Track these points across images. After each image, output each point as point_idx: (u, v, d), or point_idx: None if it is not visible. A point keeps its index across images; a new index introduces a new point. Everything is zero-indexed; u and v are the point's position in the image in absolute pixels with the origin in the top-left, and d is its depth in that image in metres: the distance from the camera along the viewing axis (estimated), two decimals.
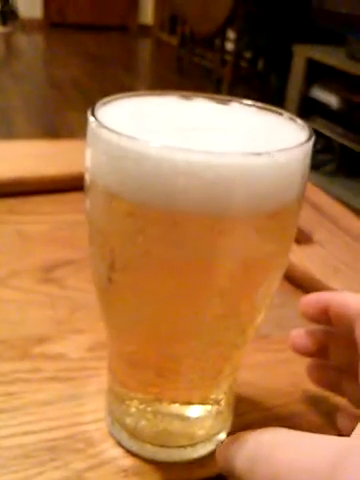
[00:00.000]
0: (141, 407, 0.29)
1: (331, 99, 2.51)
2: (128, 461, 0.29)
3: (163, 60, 4.87)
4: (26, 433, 0.30)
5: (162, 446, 0.29)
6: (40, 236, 0.51)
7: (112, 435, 0.30)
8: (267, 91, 3.46)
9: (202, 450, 0.29)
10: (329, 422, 0.32)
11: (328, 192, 0.62)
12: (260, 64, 3.65)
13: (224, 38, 3.63)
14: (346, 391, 0.30)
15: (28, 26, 5.25)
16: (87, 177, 0.23)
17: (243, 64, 3.68)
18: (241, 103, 0.26)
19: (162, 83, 4.02)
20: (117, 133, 0.20)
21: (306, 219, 0.53)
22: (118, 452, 0.29)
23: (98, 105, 0.23)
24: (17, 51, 4.70)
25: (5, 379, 0.34)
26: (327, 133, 2.45)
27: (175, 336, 0.25)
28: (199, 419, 0.29)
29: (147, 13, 5.75)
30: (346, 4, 2.63)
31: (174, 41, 4.61)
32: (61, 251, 0.48)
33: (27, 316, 0.40)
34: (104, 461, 0.29)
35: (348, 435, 0.20)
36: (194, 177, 0.20)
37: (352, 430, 0.20)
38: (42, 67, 4.24)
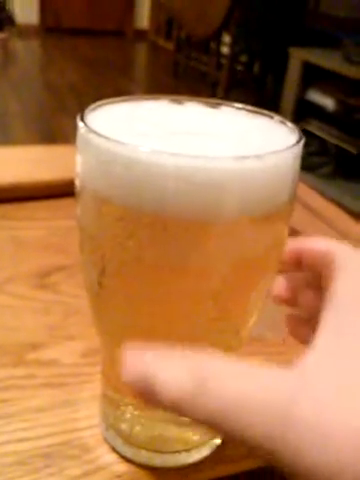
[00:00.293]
0: (136, 413, 0.29)
1: (327, 102, 2.52)
2: (123, 467, 0.29)
3: (159, 64, 4.88)
4: (21, 440, 0.30)
5: (157, 451, 0.29)
6: (34, 242, 0.51)
7: (107, 441, 0.30)
8: (263, 94, 3.46)
9: (197, 455, 0.29)
10: None
11: (324, 194, 0.62)
12: (256, 67, 3.66)
13: (220, 42, 3.64)
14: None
15: (24, 32, 5.26)
16: (77, 182, 0.23)
17: (239, 68, 3.69)
18: (232, 107, 0.26)
19: (158, 87, 4.02)
20: (106, 138, 0.20)
21: (300, 221, 0.53)
22: (113, 458, 0.29)
23: (88, 110, 0.23)
24: (14, 56, 4.71)
25: None
26: (323, 136, 2.46)
27: (167, 340, 0.25)
28: (194, 424, 0.29)
29: (143, 18, 5.77)
30: (341, 7, 2.64)
31: (170, 45, 4.62)
32: (55, 257, 0.48)
33: (21, 322, 0.40)
34: (99, 467, 0.29)
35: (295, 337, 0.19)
36: (184, 181, 0.19)
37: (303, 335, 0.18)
38: (38, 72, 4.25)
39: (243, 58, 3.67)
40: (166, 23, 5.05)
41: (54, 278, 0.45)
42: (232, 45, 3.44)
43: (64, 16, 5.52)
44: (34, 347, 0.37)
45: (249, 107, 0.25)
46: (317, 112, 2.57)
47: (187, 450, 0.29)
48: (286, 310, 0.28)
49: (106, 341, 0.28)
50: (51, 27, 5.46)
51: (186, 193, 0.20)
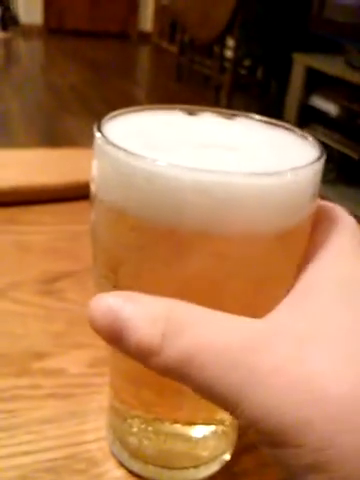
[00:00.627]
0: (142, 426, 0.28)
1: (330, 107, 2.52)
2: None
3: (162, 67, 4.89)
4: (25, 453, 0.29)
5: (164, 467, 0.28)
6: (40, 247, 0.50)
7: (114, 454, 0.30)
8: (266, 99, 3.47)
9: (206, 471, 0.29)
10: None
11: (327, 200, 0.61)
12: (259, 72, 3.66)
13: (223, 46, 3.64)
14: None
15: (28, 32, 5.27)
16: (93, 188, 0.23)
17: (242, 72, 3.69)
18: (248, 118, 0.25)
19: (161, 90, 4.03)
20: (124, 150, 0.20)
21: None
22: (121, 473, 0.29)
23: (104, 120, 0.23)
24: (17, 56, 4.71)
25: (4, 396, 0.33)
26: (326, 141, 2.45)
27: None
28: (203, 439, 0.28)
29: (147, 20, 5.78)
30: (345, 13, 2.65)
31: (173, 48, 4.62)
32: (61, 262, 0.48)
33: (26, 330, 0.39)
34: None
35: None
36: (202, 196, 0.19)
37: None
38: (41, 73, 4.25)
39: (247, 62, 3.67)
40: (170, 26, 5.06)
41: (60, 284, 0.45)
42: (236, 49, 3.44)
43: (68, 17, 5.53)
44: (39, 356, 0.36)
45: (267, 119, 0.25)
46: (320, 118, 2.57)
47: (196, 466, 0.28)
48: None
49: (115, 353, 0.27)
50: (54, 28, 5.47)
51: (204, 208, 0.19)
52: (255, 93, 3.59)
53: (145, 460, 0.29)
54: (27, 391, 0.33)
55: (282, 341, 0.18)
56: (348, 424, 0.16)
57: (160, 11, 5.34)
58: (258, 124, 0.25)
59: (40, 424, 0.31)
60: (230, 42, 3.57)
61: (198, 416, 0.27)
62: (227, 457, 0.30)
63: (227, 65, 3.58)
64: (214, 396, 0.17)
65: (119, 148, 0.20)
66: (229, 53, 3.59)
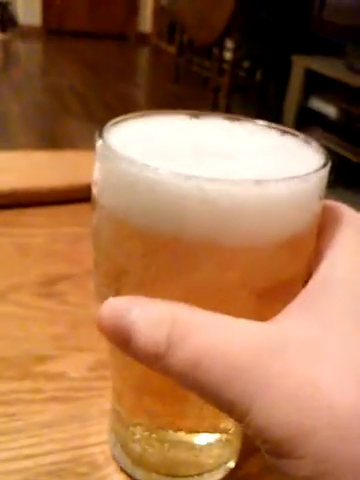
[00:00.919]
0: (146, 434, 0.28)
1: (329, 110, 2.52)
2: None
3: (161, 68, 4.88)
4: (27, 457, 0.29)
5: (168, 475, 0.28)
6: (38, 249, 0.50)
7: (115, 459, 0.29)
8: (265, 101, 3.47)
9: (210, 479, 0.29)
10: None
11: None
12: (258, 74, 3.66)
13: (222, 47, 3.64)
14: None
15: (27, 33, 5.26)
16: (94, 191, 0.23)
17: (241, 74, 3.69)
18: (253, 124, 0.25)
19: (160, 91, 4.03)
20: (127, 159, 0.19)
21: None
22: (123, 477, 0.29)
23: (107, 126, 0.23)
24: (15, 58, 4.71)
25: (5, 399, 0.33)
26: (325, 144, 2.46)
27: None
28: (207, 447, 0.28)
29: (146, 21, 5.77)
30: (345, 15, 2.65)
31: (172, 50, 4.62)
32: (60, 265, 0.48)
33: (27, 333, 0.39)
34: None
35: None
36: (205, 204, 0.19)
37: None
38: (40, 74, 4.24)
39: (245, 64, 3.67)
40: (169, 27, 5.05)
41: (60, 287, 0.45)
42: (235, 51, 3.44)
43: (67, 18, 5.52)
44: (41, 359, 0.36)
45: (271, 124, 0.25)
46: (319, 120, 2.57)
47: (200, 474, 0.28)
48: None
49: (118, 364, 0.27)
50: (53, 29, 5.46)
51: (208, 217, 0.19)
52: (254, 95, 3.59)
53: (148, 467, 0.28)
54: (28, 395, 0.33)
55: (291, 345, 0.17)
56: (350, 433, 0.16)
57: (159, 12, 5.33)
58: (262, 129, 0.25)
59: (42, 428, 0.31)
60: (229, 43, 3.57)
61: (202, 424, 0.27)
62: (231, 465, 0.29)
63: (226, 67, 3.58)
64: (221, 401, 0.17)
65: (122, 156, 0.20)
66: (228, 55, 3.59)
